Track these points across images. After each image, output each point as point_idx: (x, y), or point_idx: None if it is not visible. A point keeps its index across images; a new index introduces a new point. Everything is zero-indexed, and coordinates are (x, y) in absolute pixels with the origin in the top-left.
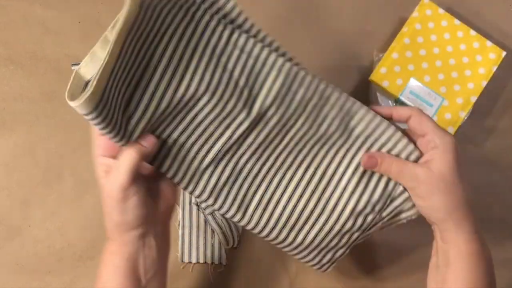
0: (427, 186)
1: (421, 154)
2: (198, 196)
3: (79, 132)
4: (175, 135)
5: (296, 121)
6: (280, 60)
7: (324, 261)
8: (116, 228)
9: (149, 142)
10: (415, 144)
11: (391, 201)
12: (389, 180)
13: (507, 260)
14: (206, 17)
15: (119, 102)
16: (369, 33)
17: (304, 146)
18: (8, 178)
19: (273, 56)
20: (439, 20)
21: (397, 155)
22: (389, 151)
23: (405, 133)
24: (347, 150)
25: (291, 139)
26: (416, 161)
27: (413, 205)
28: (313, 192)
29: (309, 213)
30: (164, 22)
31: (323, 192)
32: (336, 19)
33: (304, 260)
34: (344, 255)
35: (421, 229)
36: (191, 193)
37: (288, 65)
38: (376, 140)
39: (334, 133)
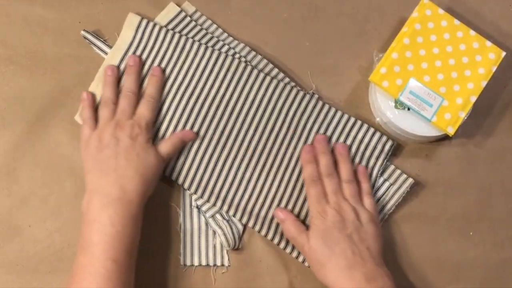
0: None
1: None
2: (208, 199)
3: (79, 132)
4: (194, 146)
5: (281, 127)
6: (262, 75)
7: None
8: (148, 191)
9: None
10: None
11: (376, 192)
12: (371, 171)
13: (507, 260)
14: (195, 46)
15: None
16: (369, 33)
17: (294, 149)
18: (8, 178)
19: (255, 72)
20: (439, 20)
21: (374, 147)
22: (367, 145)
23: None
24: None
25: (280, 145)
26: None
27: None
28: (301, 188)
29: (301, 204)
30: (161, 49)
31: None
32: (336, 19)
33: None
34: None
35: (421, 228)
36: (201, 196)
37: (268, 78)
38: (354, 137)
39: (317, 134)
